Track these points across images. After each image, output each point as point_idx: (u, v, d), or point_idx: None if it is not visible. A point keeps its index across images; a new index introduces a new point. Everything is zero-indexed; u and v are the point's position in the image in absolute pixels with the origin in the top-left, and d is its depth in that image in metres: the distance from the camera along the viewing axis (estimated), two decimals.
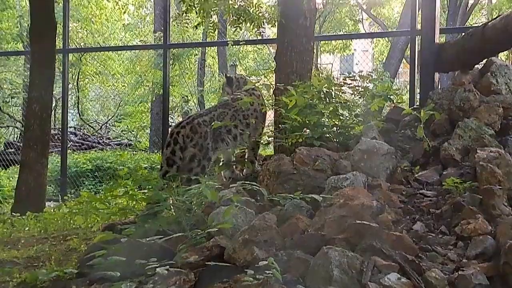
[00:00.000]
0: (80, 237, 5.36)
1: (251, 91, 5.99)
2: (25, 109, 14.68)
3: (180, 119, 16.97)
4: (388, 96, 5.88)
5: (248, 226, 3.83)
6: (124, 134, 17.41)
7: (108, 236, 3.66)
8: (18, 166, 12.38)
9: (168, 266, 3.37)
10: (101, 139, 15.62)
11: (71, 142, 13.66)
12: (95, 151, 13.97)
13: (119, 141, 15.89)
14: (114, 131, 17.62)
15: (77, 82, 15.99)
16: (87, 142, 15.04)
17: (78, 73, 16.14)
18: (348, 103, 5.92)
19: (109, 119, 17.73)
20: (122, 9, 21.33)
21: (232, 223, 3.86)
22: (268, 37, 11.90)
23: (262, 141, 6.11)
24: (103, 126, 17.31)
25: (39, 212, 7.21)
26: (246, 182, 4.33)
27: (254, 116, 5.83)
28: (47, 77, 8.07)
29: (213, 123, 5.37)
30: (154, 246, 3.88)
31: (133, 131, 17.07)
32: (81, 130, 16.52)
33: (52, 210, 7.13)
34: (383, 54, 21.38)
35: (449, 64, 6.12)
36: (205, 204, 4.49)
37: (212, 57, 19.62)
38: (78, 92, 16.22)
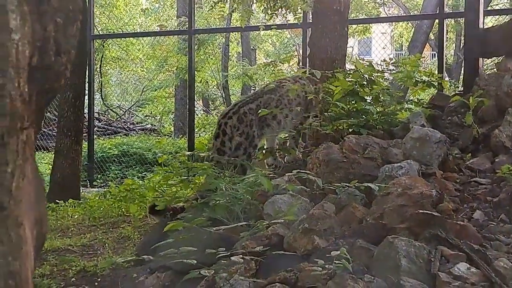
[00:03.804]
0: (132, 225, 5.38)
1: (296, 79, 6.00)
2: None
3: (201, 104, 17.04)
4: (431, 82, 5.82)
5: (307, 215, 3.83)
6: (147, 119, 17.41)
7: (178, 225, 3.66)
8: (46, 152, 12.51)
9: (240, 255, 3.38)
10: (125, 124, 15.66)
11: (95, 128, 13.69)
12: (120, 136, 14.00)
13: (143, 126, 15.90)
14: (137, 116, 17.60)
15: (100, 68, 15.98)
16: (112, 128, 15.09)
17: (101, 59, 16.11)
18: (390, 89, 5.88)
19: (133, 104, 17.74)
20: None
21: (295, 214, 3.85)
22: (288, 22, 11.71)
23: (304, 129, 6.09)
24: (126, 112, 17.31)
25: (75, 199, 7.25)
26: (299, 171, 4.33)
27: (297, 102, 5.82)
28: (80, 64, 8.08)
29: (260, 111, 5.36)
30: (214, 235, 3.90)
31: (156, 116, 17.04)
32: (105, 116, 16.54)
33: (97, 197, 7.15)
34: (402, 37, 21.12)
35: (494, 50, 6.04)
36: (257, 192, 4.50)
37: (231, 42, 19.51)
38: (101, 77, 16.22)
